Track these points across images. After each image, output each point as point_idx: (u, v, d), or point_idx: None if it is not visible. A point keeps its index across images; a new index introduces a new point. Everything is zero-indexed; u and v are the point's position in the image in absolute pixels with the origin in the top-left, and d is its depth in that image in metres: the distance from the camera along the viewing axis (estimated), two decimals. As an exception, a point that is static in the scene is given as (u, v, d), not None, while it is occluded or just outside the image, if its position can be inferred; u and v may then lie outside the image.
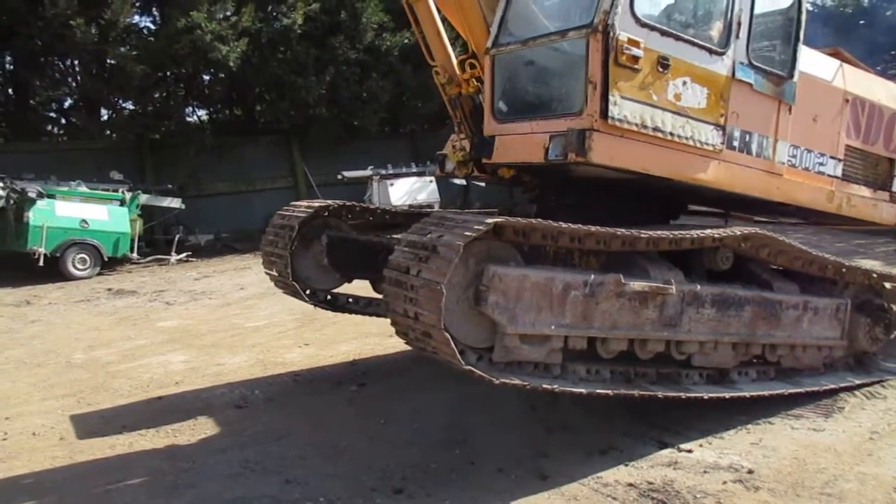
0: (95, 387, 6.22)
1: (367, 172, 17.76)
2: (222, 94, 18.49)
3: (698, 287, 4.58)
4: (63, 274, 12.52)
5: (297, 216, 5.73)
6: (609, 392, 4.23)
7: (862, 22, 19.38)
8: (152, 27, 16.81)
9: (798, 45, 5.25)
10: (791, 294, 5.12)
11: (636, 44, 4.37)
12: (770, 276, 5.13)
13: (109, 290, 11.62)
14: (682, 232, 4.49)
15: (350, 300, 6.24)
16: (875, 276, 5.65)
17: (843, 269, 5.40)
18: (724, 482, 3.99)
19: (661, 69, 4.52)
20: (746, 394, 4.85)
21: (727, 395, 4.74)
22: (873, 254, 11.43)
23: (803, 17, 5.21)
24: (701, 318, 4.61)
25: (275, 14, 16.78)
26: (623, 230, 4.17)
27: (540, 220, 4.00)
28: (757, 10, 4.98)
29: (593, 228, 4.09)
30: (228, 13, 15.69)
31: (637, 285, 4.24)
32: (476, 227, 3.70)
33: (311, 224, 5.81)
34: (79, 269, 12.75)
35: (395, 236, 6.21)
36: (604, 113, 4.32)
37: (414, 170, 17.99)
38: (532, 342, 4.02)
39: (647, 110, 4.51)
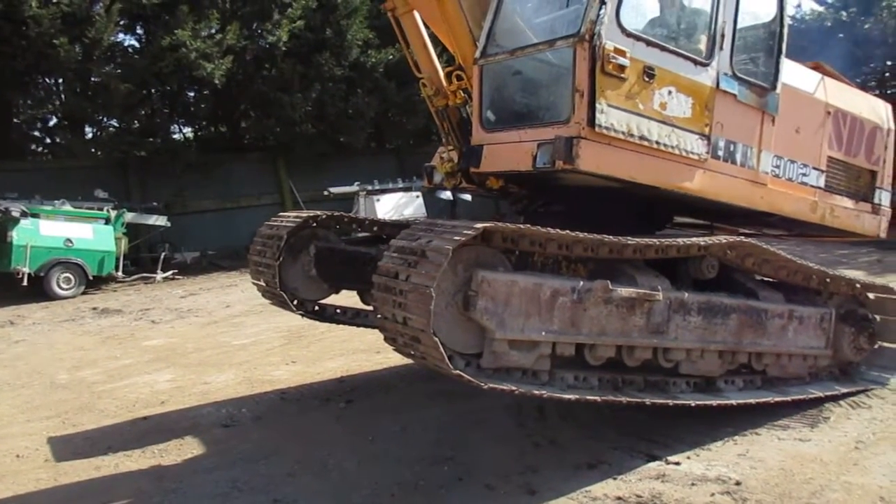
0: (80, 407, 6.17)
1: (354, 188, 17.79)
2: (207, 112, 18.50)
3: (685, 295, 4.63)
4: (47, 293, 12.41)
5: (286, 226, 5.73)
6: (597, 399, 4.25)
7: (841, 35, 19.64)
8: (137, 45, 16.83)
9: (781, 58, 5.32)
10: (776, 303, 5.18)
11: (622, 53, 4.42)
12: (755, 286, 5.18)
13: (94, 309, 11.53)
14: (668, 240, 4.54)
15: (338, 311, 6.23)
16: (858, 285, 5.72)
17: (827, 279, 5.46)
18: (712, 494, 4.01)
19: (646, 79, 4.58)
20: (733, 401, 4.88)
21: (714, 403, 4.77)
22: (856, 264, 11.55)
23: (785, 30, 5.30)
24: (688, 326, 4.65)
25: (260, 31, 16.81)
26: (610, 237, 4.22)
27: (528, 225, 4.04)
28: (740, 24, 5.05)
29: (581, 235, 4.14)
30: (213, 31, 15.70)
31: (625, 291, 4.28)
32: (465, 231, 3.74)
33: (298, 234, 5.81)
34: (63, 289, 12.64)
35: (382, 247, 6.24)
36: (591, 121, 4.36)
37: (400, 185, 18.04)
38: (520, 348, 4.05)
39: (633, 119, 4.56)
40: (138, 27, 16.65)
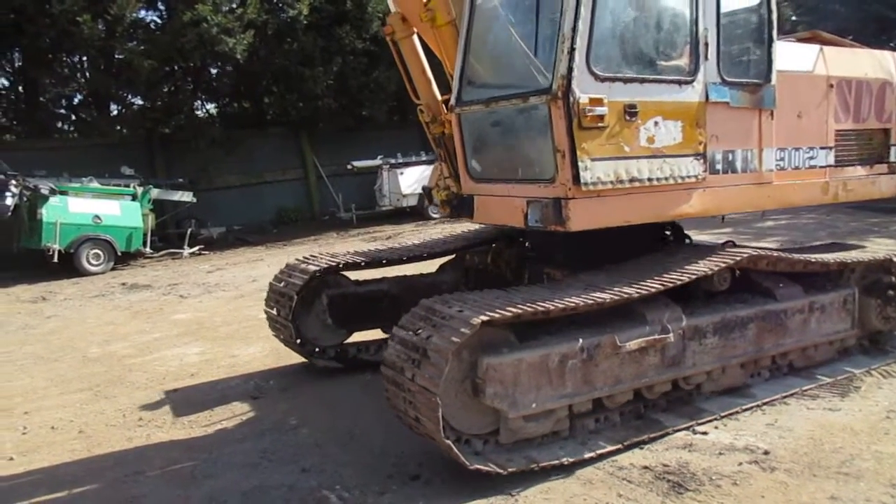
0: (112, 380, 6.28)
1: (377, 162, 17.76)
2: (230, 88, 18.54)
3: (698, 321, 4.55)
4: (77, 269, 12.63)
5: (294, 283, 5.65)
6: (620, 446, 4.17)
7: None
8: (159, 21, 16.88)
9: (772, 46, 5.00)
10: (795, 299, 5.06)
11: (599, 102, 4.18)
12: (772, 284, 5.05)
13: (124, 284, 11.70)
14: (674, 274, 4.42)
15: (359, 350, 6.19)
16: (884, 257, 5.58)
17: (846, 265, 5.33)
18: (740, 463, 3.98)
19: (628, 118, 4.34)
20: (760, 401, 4.78)
21: (739, 410, 4.68)
22: (888, 232, 11.30)
23: (774, 15, 4.97)
24: (704, 349, 4.58)
25: (280, 5, 16.75)
26: (612, 293, 4.12)
27: (526, 304, 3.91)
28: (723, 21, 4.72)
29: (580, 301, 4.02)
30: (234, 5, 15.70)
31: (633, 343, 4.20)
32: (462, 330, 3.63)
33: (309, 287, 5.72)
34: (93, 265, 12.85)
35: (395, 277, 6.26)
36: (576, 179, 4.19)
37: (423, 158, 17.97)
38: (536, 419, 4.02)
39: (620, 164, 4.35)
40: (159, 3, 16.70)
